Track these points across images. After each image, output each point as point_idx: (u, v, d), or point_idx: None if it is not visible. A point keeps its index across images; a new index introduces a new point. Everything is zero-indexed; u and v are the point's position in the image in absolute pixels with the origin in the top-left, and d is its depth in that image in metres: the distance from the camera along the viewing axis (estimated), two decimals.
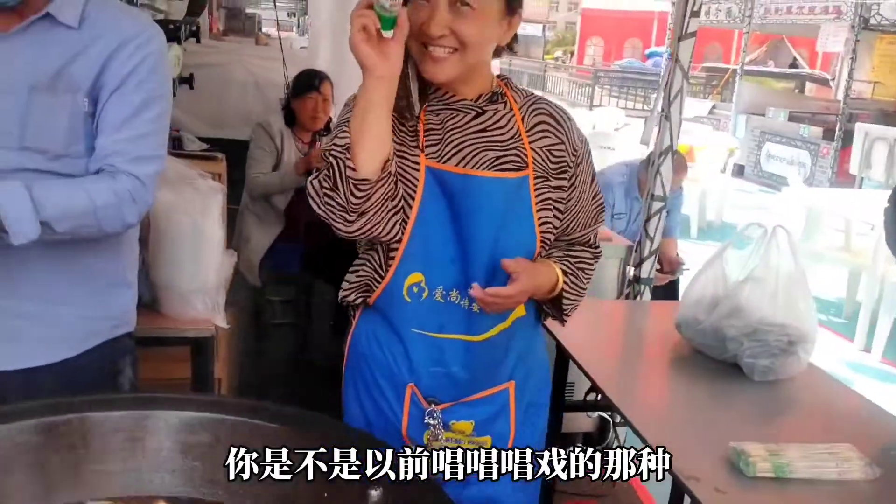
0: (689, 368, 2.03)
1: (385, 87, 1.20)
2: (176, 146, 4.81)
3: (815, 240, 5.38)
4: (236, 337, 3.25)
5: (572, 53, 33.36)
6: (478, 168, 1.32)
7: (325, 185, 1.22)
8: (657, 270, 3.85)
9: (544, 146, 1.37)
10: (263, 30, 16.67)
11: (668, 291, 3.96)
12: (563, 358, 2.19)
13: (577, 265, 1.46)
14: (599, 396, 2.12)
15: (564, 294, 1.42)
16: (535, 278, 1.34)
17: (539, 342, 1.54)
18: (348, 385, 1.49)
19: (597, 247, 1.53)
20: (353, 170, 1.20)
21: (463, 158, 1.32)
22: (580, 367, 1.96)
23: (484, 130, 1.35)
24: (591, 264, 1.50)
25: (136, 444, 1.19)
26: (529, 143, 1.36)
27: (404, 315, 1.36)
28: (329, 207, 1.24)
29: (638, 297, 2.82)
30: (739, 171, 11.05)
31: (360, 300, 1.43)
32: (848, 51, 10.04)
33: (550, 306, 1.47)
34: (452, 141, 1.33)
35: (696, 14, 2.56)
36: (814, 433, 1.68)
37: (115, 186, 1.35)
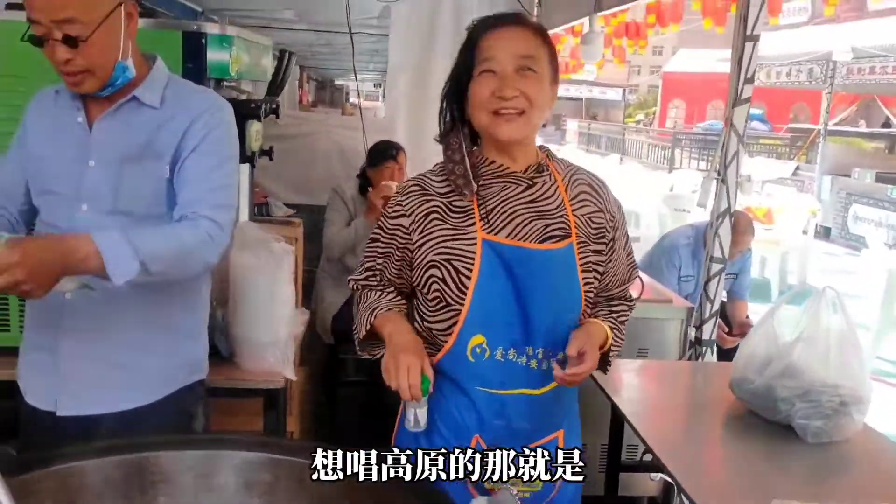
0: (741, 429, 2.05)
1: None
2: (263, 211, 5.14)
3: None
4: (310, 393, 3.40)
5: (654, 115, 33.29)
6: (528, 239, 1.46)
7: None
8: (726, 333, 3.84)
9: (585, 214, 1.52)
10: (351, 100, 17.40)
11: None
12: (617, 419, 2.24)
13: (619, 319, 1.62)
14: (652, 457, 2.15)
15: (612, 348, 1.58)
16: (596, 346, 1.48)
17: (574, 390, 1.64)
18: (403, 431, 1.55)
19: (631, 299, 1.68)
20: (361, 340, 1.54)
21: (515, 229, 1.46)
22: (631, 427, 2.01)
23: (534, 201, 1.49)
24: (628, 315, 1.66)
25: (205, 481, 1.33)
26: (573, 211, 1.50)
27: (469, 373, 1.48)
28: None
29: (700, 359, 2.83)
30: (825, 233, 10.75)
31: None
32: None
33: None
34: (505, 212, 1.47)
35: (749, 81, 2.63)
36: (862, 494, 1.67)
37: (197, 230, 1.52)
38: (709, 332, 2.84)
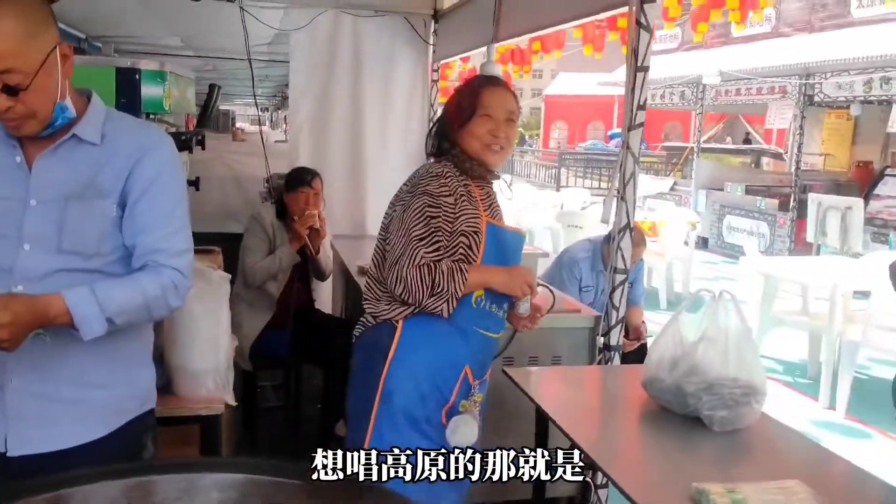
0: (657, 423, 2.24)
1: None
2: None
3: (774, 305, 5.67)
4: (231, 420, 3.39)
5: (538, 136, 34.37)
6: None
7: (427, 285, 2.00)
8: (624, 337, 4.09)
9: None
10: (238, 125, 17.09)
11: (638, 357, 4.19)
12: (543, 421, 2.39)
13: None
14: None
15: None
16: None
17: None
18: (398, 365, 2.04)
19: None
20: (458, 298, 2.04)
21: (499, 216, 2.21)
22: (557, 426, 2.16)
23: (496, 199, 2.25)
24: None
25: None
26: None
27: (472, 317, 2.09)
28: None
29: (609, 363, 3.03)
30: (703, 243, 11.47)
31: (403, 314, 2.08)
32: (796, 126, 10.64)
33: None
34: (495, 205, 2.20)
35: (642, 107, 2.87)
36: (768, 473, 1.88)
37: (161, 280, 1.56)
38: (616, 337, 3.05)
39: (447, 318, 2.02)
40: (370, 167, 5.03)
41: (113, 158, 1.58)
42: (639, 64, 2.84)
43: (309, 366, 3.84)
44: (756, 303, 5.62)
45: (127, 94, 1.85)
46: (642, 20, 2.82)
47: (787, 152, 15.13)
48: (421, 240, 2.00)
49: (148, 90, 1.87)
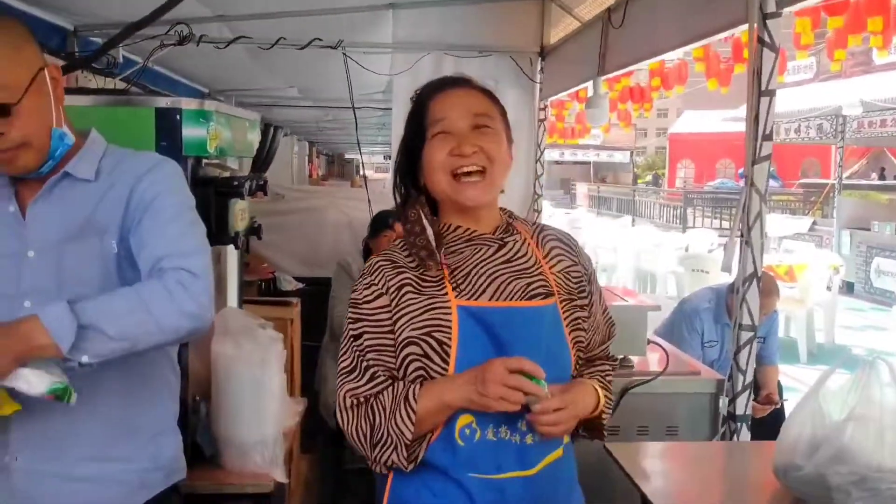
0: None
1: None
2: (271, 287, 5.02)
3: None
4: (315, 483, 3.17)
5: (663, 175, 33.41)
6: (513, 299, 1.37)
7: (364, 434, 1.33)
8: (755, 401, 3.60)
9: (562, 270, 1.45)
10: (360, 173, 17.54)
11: (771, 425, 3.66)
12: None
13: (607, 378, 1.53)
14: None
15: (604, 409, 1.47)
16: (575, 392, 1.38)
17: (575, 468, 1.51)
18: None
19: (614, 358, 1.60)
20: (408, 445, 1.30)
21: (497, 290, 1.37)
22: None
23: (509, 261, 1.41)
24: (611, 376, 1.57)
25: None
26: (549, 268, 1.44)
27: (459, 460, 1.33)
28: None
29: (734, 437, 2.60)
30: (849, 288, 10.49)
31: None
32: None
33: (585, 427, 1.48)
34: (482, 274, 1.38)
35: (767, 137, 2.48)
36: None
37: (163, 280, 1.35)
38: (742, 406, 2.61)
39: (428, 463, 1.34)
40: None
41: (109, 191, 1.43)
42: (763, 88, 2.45)
43: None
44: None
45: (167, 136, 1.68)
46: (765, 37, 2.45)
47: None
48: (349, 372, 1.36)
49: (190, 131, 1.69)
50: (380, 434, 1.30)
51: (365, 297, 1.36)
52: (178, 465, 1.55)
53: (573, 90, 5.08)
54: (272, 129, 2.06)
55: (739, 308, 2.57)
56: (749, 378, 2.60)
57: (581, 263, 1.48)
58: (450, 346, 1.31)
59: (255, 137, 2.16)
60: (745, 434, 2.64)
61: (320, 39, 4.29)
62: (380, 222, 3.49)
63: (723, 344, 3.68)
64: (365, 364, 1.35)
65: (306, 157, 14.90)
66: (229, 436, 1.83)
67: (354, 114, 4.90)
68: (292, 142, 11.44)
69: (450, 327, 1.32)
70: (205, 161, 1.86)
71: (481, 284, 1.36)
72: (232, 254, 2.15)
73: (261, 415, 1.82)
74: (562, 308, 1.40)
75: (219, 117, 1.80)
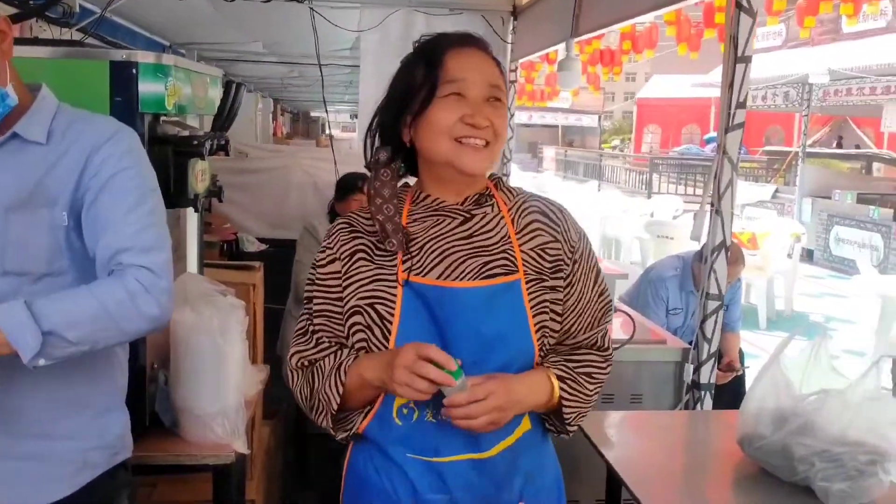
0: (755, 492, 1.82)
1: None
2: (234, 248, 4.92)
3: (893, 330, 5.03)
4: (276, 450, 3.14)
5: (629, 140, 33.56)
6: (462, 278, 1.28)
7: (305, 396, 1.34)
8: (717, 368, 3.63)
9: (536, 246, 1.34)
10: (326, 132, 17.29)
11: (732, 392, 3.71)
12: (614, 482, 2.00)
13: (579, 370, 1.36)
14: None
15: (563, 402, 1.33)
16: (507, 382, 1.24)
17: (549, 460, 1.43)
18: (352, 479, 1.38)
19: (606, 349, 1.42)
20: (335, 414, 1.29)
21: (447, 268, 1.29)
22: (632, 494, 1.77)
23: (471, 236, 1.32)
24: (602, 367, 1.40)
25: None
26: (520, 245, 1.33)
27: (397, 440, 1.29)
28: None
29: (698, 406, 2.61)
30: (808, 256, 10.66)
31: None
32: None
33: (554, 418, 1.38)
34: (435, 250, 1.30)
35: (742, 105, 2.45)
36: None
37: (124, 282, 1.29)
38: (707, 374, 2.62)
39: (369, 441, 1.32)
40: None
41: (62, 158, 1.33)
42: (739, 54, 2.42)
43: None
44: (871, 327, 5.01)
45: (122, 91, 1.59)
46: (743, 2, 2.40)
47: None
48: (301, 334, 1.35)
49: (147, 87, 1.60)
50: (315, 399, 1.31)
51: (319, 261, 1.33)
52: (125, 444, 1.49)
53: (545, 52, 5.00)
54: (235, 86, 1.96)
55: (708, 277, 2.56)
56: (714, 347, 2.61)
57: (566, 240, 1.35)
58: (391, 322, 1.26)
59: (216, 94, 2.06)
60: (709, 402, 2.66)
61: None
62: (348, 185, 3.40)
63: (687, 312, 3.69)
64: (312, 328, 1.33)
65: (270, 115, 14.61)
66: (189, 406, 1.77)
67: (321, 71, 4.77)
68: (256, 99, 11.19)
69: (394, 302, 1.26)
70: (163, 118, 1.77)
71: (432, 261, 1.29)
72: (191, 217, 2.07)
73: (221, 384, 1.76)
74: (527, 288, 1.30)
75: (178, 72, 1.71)
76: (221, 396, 1.75)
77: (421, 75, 1.28)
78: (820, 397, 1.78)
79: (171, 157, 1.74)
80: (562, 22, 4.02)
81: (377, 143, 1.34)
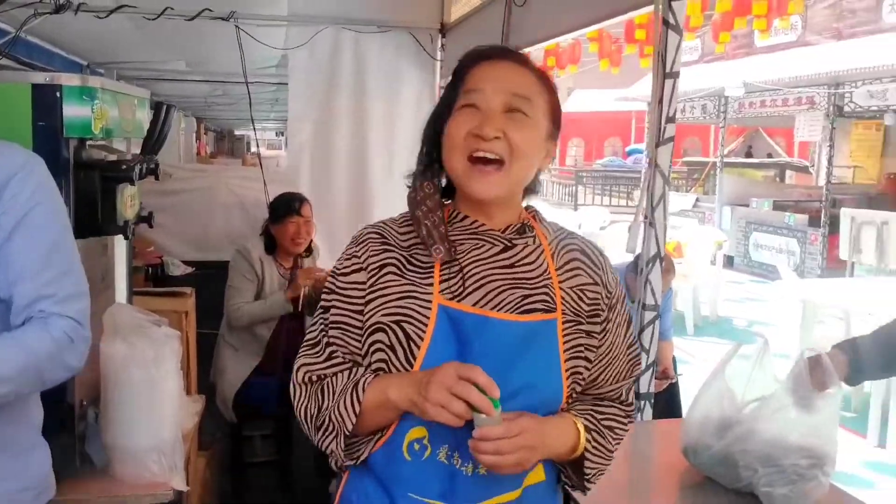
0: (701, 501, 1.84)
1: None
2: (159, 272, 4.75)
3: (814, 332, 5.23)
4: (213, 482, 3.03)
5: (554, 157, 34.00)
6: (500, 309, 1.18)
7: (311, 414, 1.21)
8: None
9: (576, 286, 1.24)
10: (252, 150, 16.97)
11: (668, 400, 3.78)
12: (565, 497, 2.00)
13: (605, 422, 1.27)
14: None
15: (587, 455, 1.23)
16: (538, 423, 1.14)
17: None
18: None
19: (630, 404, 1.34)
20: (347, 436, 1.18)
21: (485, 296, 1.19)
22: None
23: (511, 266, 1.22)
24: (623, 423, 1.31)
25: None
26: (559, 282, 1.23)
27: (401, 476, 1.18)
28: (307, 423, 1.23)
29: (639, 415, 2.64)
30: (729, 262, 11.02)
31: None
32: (825, 138, 10.19)
33: (571, 471, 1.28)
34: (475, 274, 1.20)
35: (671, 119, 2.50)
36: None
37: (52, 334, 1.24)
38: (646, 384, 2.66)
39: (371, 474, 1.22)
40: (375, 192, 4.69)
41: None
42: (668, 70, 2.47)
43: None
44: (793, 329, 5.19)
45: (46, 115, 1.51)
46: (670, 19, 2.46)
47: (812, 165, 14.65)
48: (311, 346, 1.24)
49: (72, 111, 1.52)
50: (324, 418, 1.18)
51: (343, 268, 1.23)
52: (49, 483, 1.40)
53: None
54: (165, 108, 1.89)
55: (644, 288, 2.60)
56: (652, 356, 2.65)
57: (604, 283, 1.26)
58: (418, 345, 1.15)
59: (144, 116, 1.98)
60: (648, 411, 2.69)
61: (210, 10, 4.06)
62: (284, 207, 3.33)
63: None
64: (326, 340, 1.22)
65: (194, 134, 14.30)
66: (122, 443, 1.68)
67: (248, 89, 4.69)
68: (179, 118, 10.94)
69: (425, 323, 1.16)
70: (89, 143, 1.69)
71: (470, 286, 1.19)
72: (120, 244, 1.99)
73: (157, 419, 1.68)
74: (563, 329, 1.20)
75: (104, 94, 1.63)
76: (157, 431, 1.67)
77: (449, 91, 1.23)
78: (760, 404, 1.82)
79: (98, 183, 1.66)
80: (491, 39, 4.04)
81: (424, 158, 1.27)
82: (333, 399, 1.18)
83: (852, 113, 9.99)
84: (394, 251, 1.22)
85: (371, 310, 1.19)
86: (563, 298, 1.22)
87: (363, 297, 1.20)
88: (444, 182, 1.27)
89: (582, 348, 1.22)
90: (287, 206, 3.31)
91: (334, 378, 1.20)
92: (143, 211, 1.94)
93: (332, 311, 1.22)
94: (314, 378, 1.22)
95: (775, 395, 1.82)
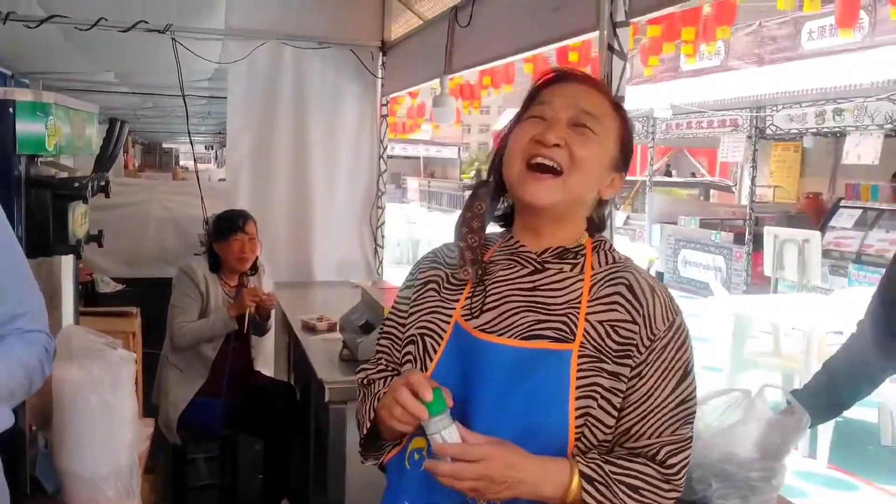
0: None
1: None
2: (89, 289, 4.59)
3: (746, 346, 5.42)
4: None
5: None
6: (505, 333, 1.15)
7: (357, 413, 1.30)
8: None
9: (607, 321, 1.14)
10: (181, 163, 16.58)
11: None
12: None
13: (621, 477, 1.10)
14: None
15: None
16: (519, 459, 1.06)
17: None
18: None
19: (670, 467, 1.14)
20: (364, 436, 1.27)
21: (496, 318, 1.17)
22: None
23: (533, 289, 1.18)
24: (655, 486, 1.12)
25: None
26: (587, 313, 1.15)
27: (403, 484, 1.21)
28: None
29: None
30: (659, 278, 11.32)
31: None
32: (748, 158, 10.60)
33: None
34: (493, 296, 1.19)
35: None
36: None
37: (35, 348, 1.29)
38: None
39: (386, 477, 1.26)
40: (316, 208, 4.65)
41: None
42: (614, 94, 2.54)
43: (247, 436, 3.40)
44: (725, 344, 5.37)
45: None
46: (615, 45, 2.53)
47: (735, 184, 15.22)
48: (376, 352, 1.34)
49: (25, 127, 1.47)
50: (358, 419, 1.30)
51: (405, 283, 1.33)
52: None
53: (418, 87, 5.07)
54: (118, 124, 1.85)
55: None
56: None
57: (646, 324, 1.13)
58: (432, 358, 1.19)
59: (93, 132, 1.93)
60: None
61: (146, 22, 3.97)
62: (228, 223, 3.27)
63: None
64: (378, 349, 1.32)
65: (121, 147, 13.90)
66: (75, 469, 1.62)
67: (185, 102, 4.60)
68: (126, 131, 10.62)
69: (441, 338, 1.19)
70: (39, 160, 1.63)
71: (486, 306, 1.18)
72: (68, 264, 1.92)
73: (113, 443, 1.63)
74: (577, 363, 1.11)
75: (58, 110, 1.58)
76: (113, 456, 1.62)
77: (519, 112, 1.23)
78: (717, 422, 1.88)
79: (50, 200, 1.61)
80: (433, 58, 4.08)
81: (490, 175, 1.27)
82: (366, 402, 1.27)
83: (773, 135, 10.43)
84: (440, 269, 1.28)
85: (409, 323, 1.25)
86: (586, 331, 1.13)
87: (408, 310, 1.27)
88: (499, 207, 1.28)
89: (599, 389, 1.11)
90: (231, 224, 3.25)
91: (377, 383, 1.28)
92: (94, 229, 1.88)
93: (387, 321, 1.32)
94: (367, 381, 1.30)
95: (726, 413, 1.88)
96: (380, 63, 4.86)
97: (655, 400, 1.14)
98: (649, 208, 12.53)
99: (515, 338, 1.15)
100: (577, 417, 1.10)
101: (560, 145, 1.14)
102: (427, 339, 1.21)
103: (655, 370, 1.14)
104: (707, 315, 6.18)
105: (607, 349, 1.13)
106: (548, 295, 1.18)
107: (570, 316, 1.15)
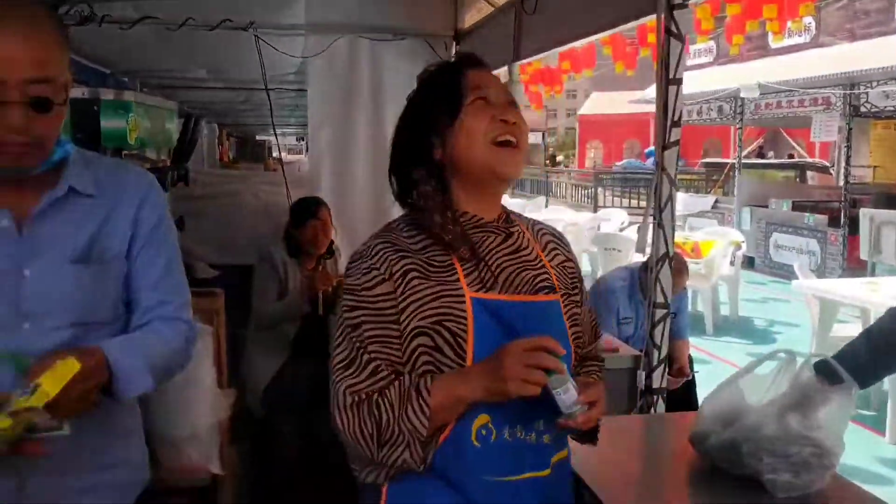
0: (708, 487, 1.92)
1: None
2: (187, 274, 4.87)
3: (832, 331, 5.26)
4: (244, 476, 3.14)
5: (573, 156, 34.13)
6: (521, 292, 1.32)
7: (369, 433, 1.22)
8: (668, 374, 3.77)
9: (559, 264, 1.43)
10: (274, 155, 17.11)
11: (684, 396, 3.85)
12: (576, 484, 2.08)
13: (599, 376, 1.50)
14: None
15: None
16: (602, 387, 1.34)
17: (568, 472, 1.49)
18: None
19: (601, 358, 1.56)
20: (423, 439, 1.22)
21: (506, 282, 1.32)
22: (594, 495, 1.85)
23: (516, 252, 1.37)
24: (602, 378, 1.52)
25: None
26: (549, 262, 1.40)
27: (472, 463, 1.24)
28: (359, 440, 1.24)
29: (652, 409, 2.72)
30: (749, 263, 11.01)
31: (392, 472, 1.28)
32: (842, 139, 10.17)
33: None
34: (491, 265, 1.32)
35: (676, 124, 2.59)
36: None
37: (180, 333, 1.42)
38: (658, 379, 2.74)
39: (433, 469, 1.24)
40: (393, 198, 4.78)
41: (115, 211, 1.36)
42: (671, 76, 2.56)
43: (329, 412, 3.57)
44: (811, 328, 5.23)
45: (85, 127, 1.63)
46: (672, 28, 2.55)
47: (833, 165, 14.58)
48: (346, 367, 1.24)
49: (109, 123, 1.64)
50: (389, 432, 1.20)
51: (364, 283, 1.25)
52: (147, 466, 1.53)
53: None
54: (193, 119, 2.01)
55: (654, 287, 2.68)
56: (664, 353, 2.73)
57: (572, 259, 1.47)
58: (464, 339, 1.22)
59: (173, 126, 2.11)
60: (661, 406, 2.77)
61: (230, 20, 4.18)
62: (303, 210, 3.45)
63: (637, 320, 3.82)
64: (366, 357, 1.24)
65: (216, 140, 14.48)
66: (161, 432, 1.80)
67: (269, 97, 4.81)
68: (202, 125, 11.11)
69: (464, 318, 1.23)
70: (124, 153, 1.81)
71: (491, 275, 1.30)
72: None
73: (193, 409, 1.80)
74: (563, 303, 1.36)
75: (138, 107, 1.75)
76: (194, 421, 1.79)
77: (445, 90, 1.33)
78: (769, 402, 1.89)
79: None
80: (503, 46, 4.15)
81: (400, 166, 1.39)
82: (396, 410, 1.20)
83: (868, 113, 9.97)
84: (411, 256, 1.27)
85: (407, 316, 1.24)
86: (556, 276, 1.39)
87: (395, 306, 1.24)
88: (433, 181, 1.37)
89: (577, 316, 1.40)
90: (305, 210, 3.43)
91: (386, 391, 1.22)
92: (175, 215, 2.05)
93: (365, 326, 1.24)
94: (362, 397, 1.23)
95: (785, 394, 1.89)
96: (453, 52, 4.94)
97: (585, 315, 1.48)
98: (738, 191, 12.19)
99: (529, 293, 1.33)
100: (573, 343, 1.38)
101: (517, 123, 1.32)
102: (448, 323, 1.23)
103: (583, 293, 1.47)
104: (793, 300, 6.02)
105: (568, 285, 1.41)
106: (526, 254, 1.37)
107: (545, 267, 1.38)
